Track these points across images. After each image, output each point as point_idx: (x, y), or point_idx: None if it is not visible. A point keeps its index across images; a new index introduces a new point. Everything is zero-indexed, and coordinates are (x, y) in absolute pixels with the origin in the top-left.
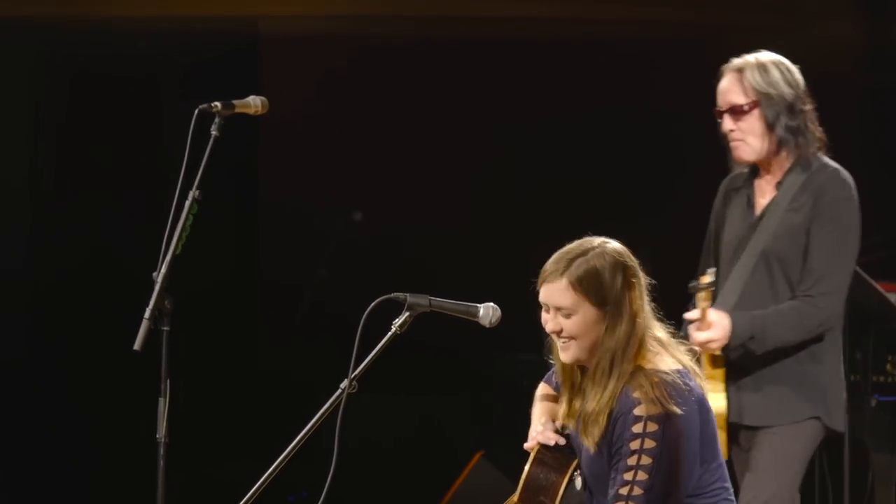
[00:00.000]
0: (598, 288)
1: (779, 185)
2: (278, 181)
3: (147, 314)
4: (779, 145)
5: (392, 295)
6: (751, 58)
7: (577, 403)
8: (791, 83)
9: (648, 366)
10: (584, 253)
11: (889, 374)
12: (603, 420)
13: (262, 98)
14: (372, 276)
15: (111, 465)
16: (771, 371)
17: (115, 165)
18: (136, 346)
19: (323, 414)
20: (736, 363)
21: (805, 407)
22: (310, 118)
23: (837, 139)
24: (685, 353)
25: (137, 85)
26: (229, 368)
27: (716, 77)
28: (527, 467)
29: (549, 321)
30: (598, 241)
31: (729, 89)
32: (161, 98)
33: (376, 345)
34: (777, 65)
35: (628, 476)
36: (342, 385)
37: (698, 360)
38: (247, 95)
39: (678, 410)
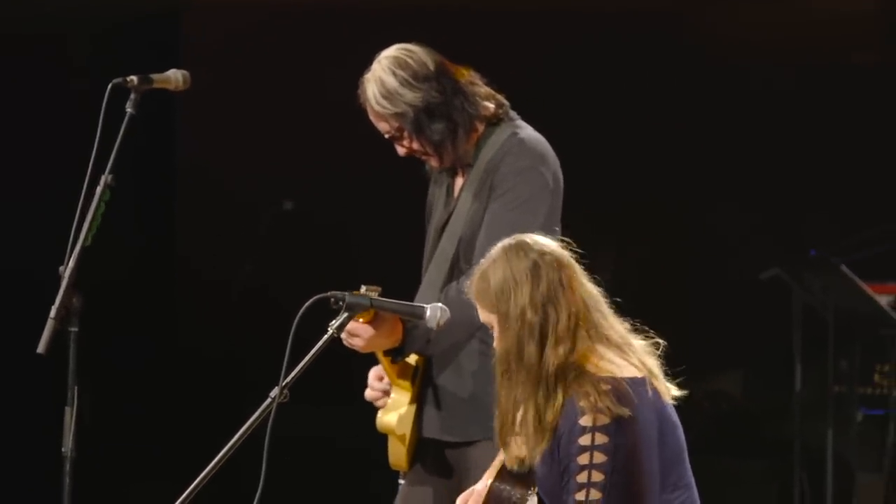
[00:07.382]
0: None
1: (468, 166)
2: (199, 161)
3: (53, 313)
4: (437, 146)
5: (328, 294)
6: (369, 76)
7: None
8: (413, 83)
9: (599, 372)
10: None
11: (877, 385)
12: (542, 432)
13: (184, 72)
14: (305, 271)
15: (11, 485)
16: (470, 377)
17: (12, 147)
18: (41, 349)
19: (251, 426)
20: (431, 373)
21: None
22: (234, 91)
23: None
24: (651, 359)
25: (41, 53)
26: (145, 372)
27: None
28: (489, 480)
29: None
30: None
31: (374, 119)
32: (69, 69)
33: (310, 348)
34: (392, 70)
35: (580, 496)
36: (272, 394)
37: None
38: (166, 67)
39: (630, 420)
